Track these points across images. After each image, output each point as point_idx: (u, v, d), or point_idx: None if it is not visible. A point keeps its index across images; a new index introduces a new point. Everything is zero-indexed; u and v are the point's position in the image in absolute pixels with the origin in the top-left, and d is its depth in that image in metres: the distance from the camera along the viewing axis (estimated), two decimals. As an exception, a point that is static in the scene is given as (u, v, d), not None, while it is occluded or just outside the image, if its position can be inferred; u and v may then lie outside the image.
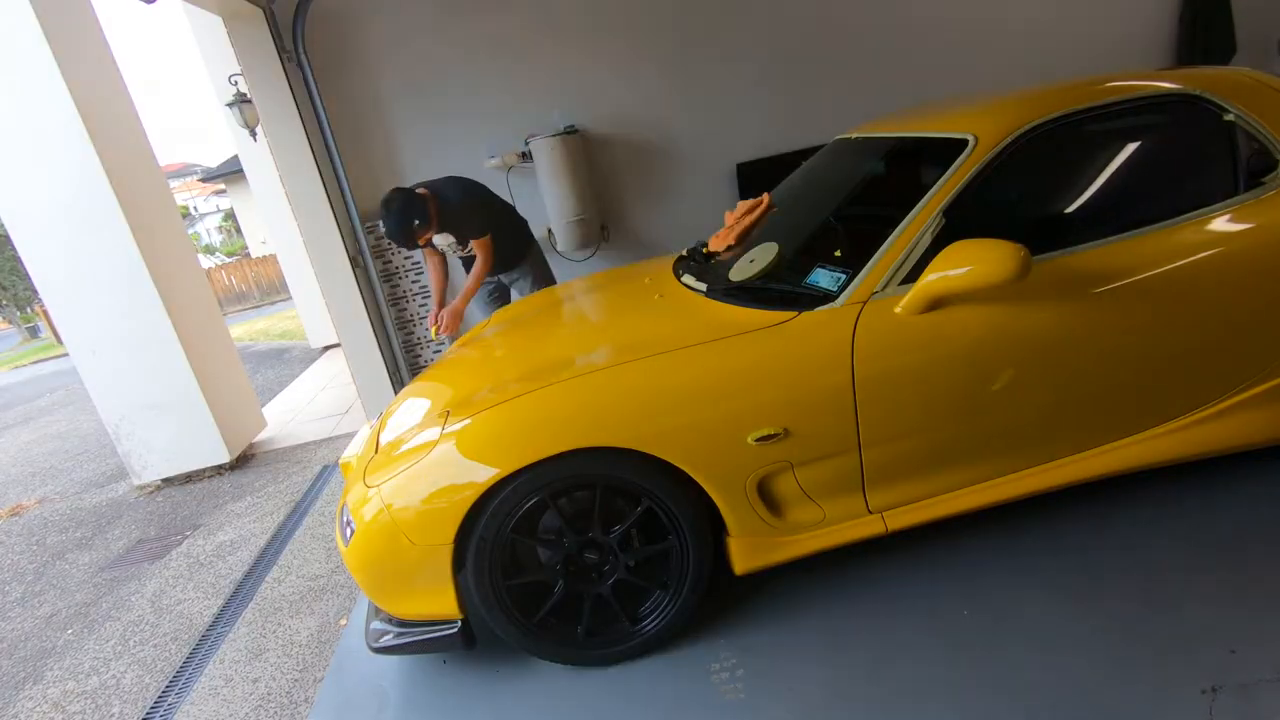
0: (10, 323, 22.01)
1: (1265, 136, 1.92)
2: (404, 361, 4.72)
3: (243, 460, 4.57)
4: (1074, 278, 1.84)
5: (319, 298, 4.82)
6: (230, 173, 12.16)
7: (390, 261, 4.65)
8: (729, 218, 2.56)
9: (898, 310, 1.79)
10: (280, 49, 4.04)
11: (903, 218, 1.86)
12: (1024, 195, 2.00)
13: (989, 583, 1.91)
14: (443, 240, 3.35)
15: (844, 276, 1.87)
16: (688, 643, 1.92)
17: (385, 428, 2.18)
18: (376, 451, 2.03)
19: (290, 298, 10.41)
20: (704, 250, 2.52)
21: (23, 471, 5.74)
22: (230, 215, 27.78)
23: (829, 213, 2.40)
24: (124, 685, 2.48)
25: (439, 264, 3.59)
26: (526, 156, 4.47)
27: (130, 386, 4.19)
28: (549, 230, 4.60)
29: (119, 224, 3.90)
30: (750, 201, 2.54)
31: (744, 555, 1.87)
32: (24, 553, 3.92)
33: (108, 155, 3.87)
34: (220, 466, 4.43)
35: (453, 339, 3.54)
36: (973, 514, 1.95)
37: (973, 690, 1.60)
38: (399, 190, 3.14)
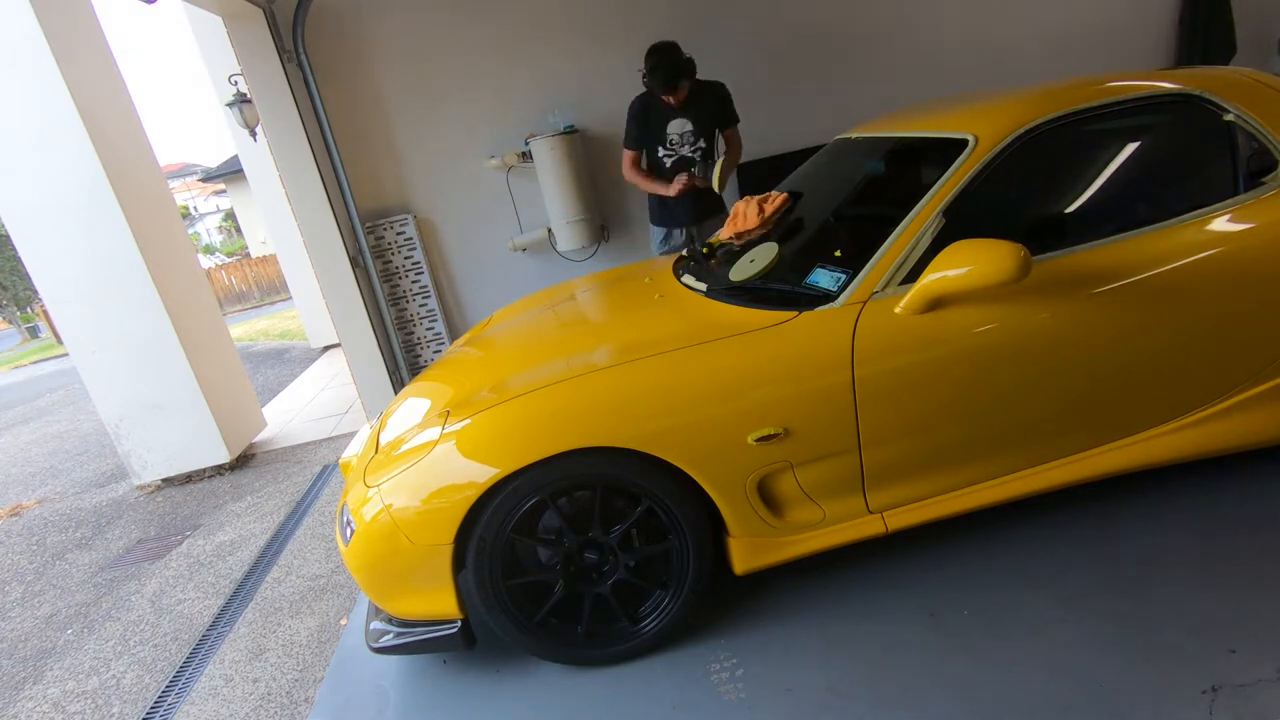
0: (10, 323, 22.01)
1: (1265, 136, 1.92)
2: (404, 361, 4.72)
3: (243, 460, 4.57)
4: (1074, 278, 1.84)
5: (319, 298, 4.82)
6: (230, 173, 12.18)
7: (390, 262, 4.65)
8: (739, 206, 2.55)
9: (898, 310, 1.79)
10: (280, 49, 4.04)
11: (903, 218, 1.86)
12: (1024, 195, 2.00)
13: (989, 583, 1.91)
14: (679, 126, 3.43)
15: (844, 276, 1.87)
16: (688, 643, 1.92)
17: (385, 428, 2.18)
18: (376, 451, 2.03)
19: (290, 298, 10.42)
20: (704, 250, 2.53)
21: (23, 471, 5.74)
22: (230, 215, 27.79)
23: (829, 213, 2.40)
24: (124, 685, 2.48)
25: (644, 168, 3.59)
26: (526, 156, 4.47)
27: (130, 386, 4.19)
28: (549, 230, 4.60)
29: (119, 224, 3.91)
30: (777, 197, 2.52)
31: (744, 555, 1.87)
32: (24, 553, 3.92)
33: (108, 155, 3.87)
34: (220, 466, 4.43)
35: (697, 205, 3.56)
36: (972, 514, 1.95)
37: (973, 690, 1.60)
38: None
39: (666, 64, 3.23)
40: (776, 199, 2.48)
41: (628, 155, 3.58)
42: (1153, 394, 1.94)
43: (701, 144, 3.50)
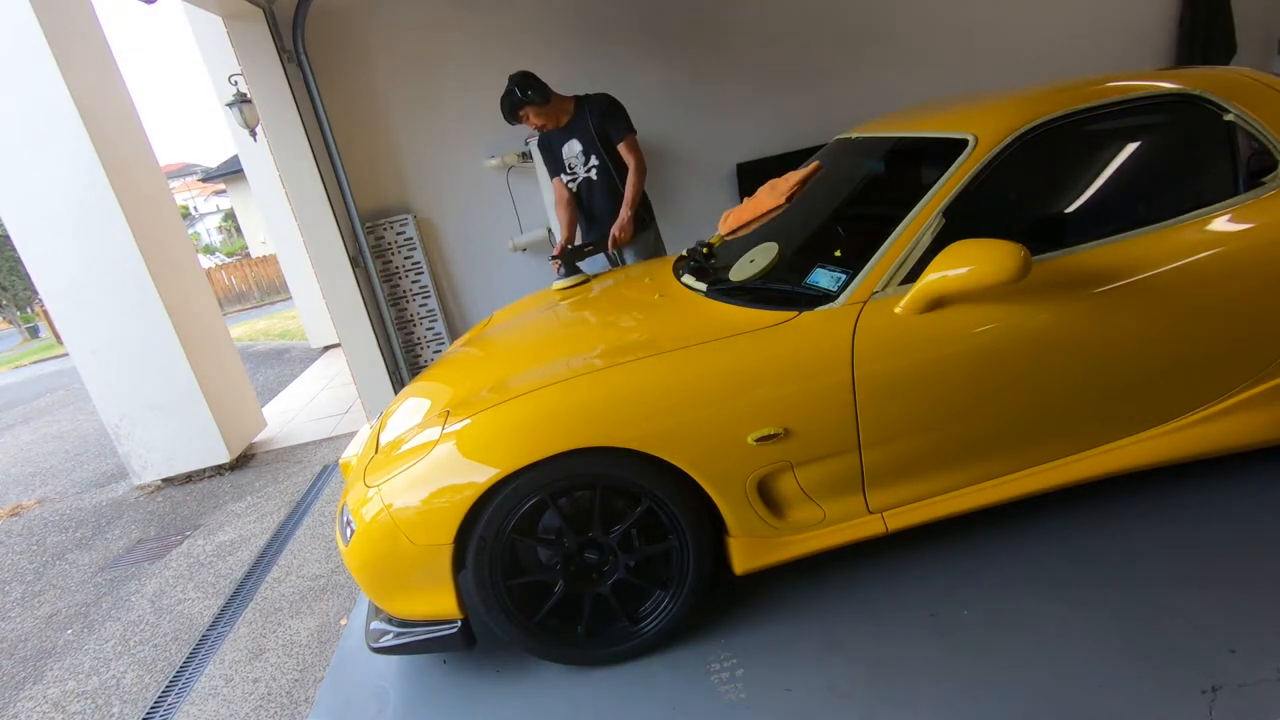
0: (10, 323, 22.01)
1: (1265, 136, 1.92)
2: (404, 361, 4.72)
3: (243, 460, 4.57)
4: (1074, 278, 1.84)
5: (319, 298, 4.82)
6: (230, 173, 12.18)
7: (390, 262, 4.65)
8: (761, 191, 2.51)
9: (898, 310, 1.79)
10: (280, 49, 4.04)
11: (903, 218, 1.86)
12: (1024, 195, 2.00)
13: (989, 583, 1.91)
14: (572, 149, 3.39)
15: (844, 276, 1.87)
16: (688, 643, 1.92)
17: (385, 428, 2.18)
18: (376, 451, 2.03)
19: (290, 298, 10.42)
20: (704, 250, 2.52)
21: (23, 471, 5.74)
22: (230, 215, 27.78)
23: (829, 213, 2.40)
24: (124, 685, 2.48)
25: (568, 201, 3.52)
26: (526, 156, 4.47)
27: (130, 386, 4.19)
28: (549, 230, 4.60)
29: (119, 224, 3.91)
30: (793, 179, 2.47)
31: (744, 555, 1.87)
32: (24, 553, 3.92)
33: (108, 155, 3.87)
34: (220, 466, 4.43)
35: (614, 257, 3.53)
36: (972, 514, 1.95)
37: (973, 690, 1.60)
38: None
39: (505, 97, 3.23)
40: (795, 178, 2.45)
41: (553, 184, 3.56)
42: (1153, 394, 1.94)
43: (595, 162, 3.40)
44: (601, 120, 3.34)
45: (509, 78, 3.24)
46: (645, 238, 3.51)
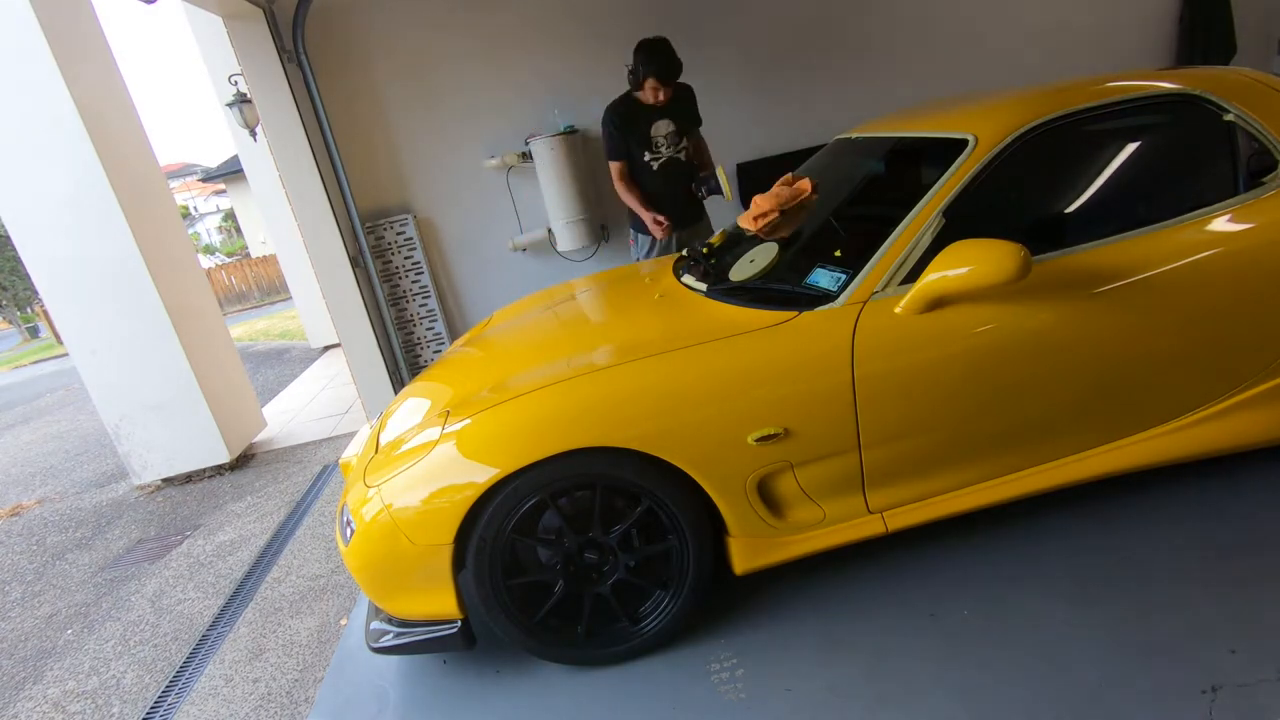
0: (10, 323, 22.01)
1: (1265, 136, 1.92)
2: (404, 361, 4.72)
3: (243, 460, 4.57)
4: (1074, 278, 1.84)
5: (319, 298, 4.82)
6: (230, 173, 12.18)
7: (390, 262, 4.65)
8: (763, 200, 2.50)
9: (898, 310, 1.79)
10: (280, 49, 4.04)
11: (903, 218, 1.86)
12: (1024, 195, 2.00)
13: (989, 583, 1.91)
14: (664, 127, 3.45)
15: (844, 276, 1.87)
16: (688, 643, 1.92)
17: (385, 428, 2.18)
18: (376, 451, 2.03)
19: (290, 298, 10.42)
20: (704, 250, 2.52)
21: (23, 471, 5.74)
22: (230, 215, 27.78)
23: (829, 213, 2.40)
24: (124, 685, 2.48)
25: (630, 177, 3.52)
26: (526, 156, 4.47)
27: (130, 386, 4.19)
28: (549, 230, 4.60)
29: (119, 224, 3.91)
30: (790, 189, 2.44)
31: (744, 555, 1.87)
32: (24, 553, 3.92)
33: (107, 154, 3.87)
34: (220, 466, 4.43)
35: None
36: (973, 514, 1.95)
37: (972, 690, 1.60)
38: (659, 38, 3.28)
39: (667, 54, 3.23)
40: (789, 201, 2.41)
41: (616, 167, 3.51)
42: (1153, 394, 1.94)
43: (684, 144, 3.49)
44: (695, 106, 3.53)
45: (657, 40, 3.25)
46: (702, 226, 3.68)
